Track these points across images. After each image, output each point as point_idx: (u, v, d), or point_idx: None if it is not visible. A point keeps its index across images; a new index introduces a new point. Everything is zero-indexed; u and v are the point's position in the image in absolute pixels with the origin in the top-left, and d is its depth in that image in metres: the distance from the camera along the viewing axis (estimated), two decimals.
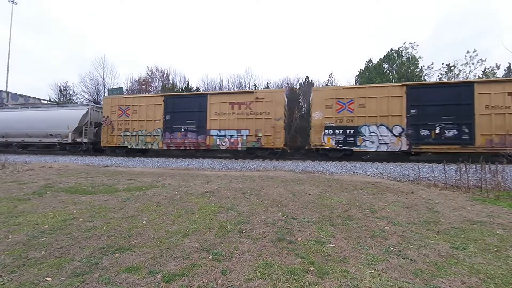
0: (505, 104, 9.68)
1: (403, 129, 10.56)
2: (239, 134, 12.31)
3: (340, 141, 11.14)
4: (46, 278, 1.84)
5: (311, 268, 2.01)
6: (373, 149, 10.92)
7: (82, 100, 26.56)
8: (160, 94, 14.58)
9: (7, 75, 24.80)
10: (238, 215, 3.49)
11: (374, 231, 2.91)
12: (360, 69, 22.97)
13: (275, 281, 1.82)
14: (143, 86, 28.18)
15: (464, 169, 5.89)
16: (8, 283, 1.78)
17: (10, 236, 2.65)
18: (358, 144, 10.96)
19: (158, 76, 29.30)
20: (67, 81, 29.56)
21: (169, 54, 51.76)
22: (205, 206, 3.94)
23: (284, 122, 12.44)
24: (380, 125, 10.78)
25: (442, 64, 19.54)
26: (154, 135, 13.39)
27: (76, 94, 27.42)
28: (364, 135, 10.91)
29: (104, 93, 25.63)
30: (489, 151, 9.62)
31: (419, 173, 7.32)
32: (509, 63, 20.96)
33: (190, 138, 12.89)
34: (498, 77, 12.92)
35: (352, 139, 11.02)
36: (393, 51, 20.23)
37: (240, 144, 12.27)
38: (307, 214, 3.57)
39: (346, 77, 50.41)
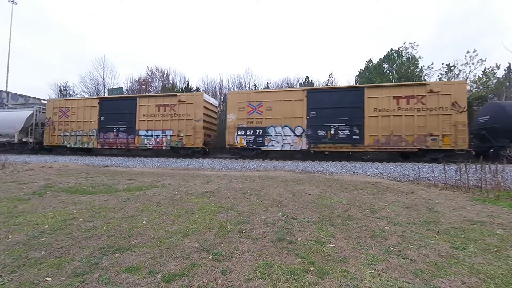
0: (390, 107, 10.65)
1: (303, 130, 11.49)
2: (164, 134, 13.37)
3: (250, 141, 12.13)
4: (46, 278, 1.84)
5: (311, 268, 2.01)
6: (278, 148, 11.85)
7: None
8: (96, 97, 15.67)
9: (7, 75, 24.81)
10: (238, 215, 3.49)
11: (374, 231, 2.91)
12: (360, 69, 22.99)
13: (275, 281, 1.82)
14: (143, 86, 28.17)
15: (464, 169, 5.89)
16: (8, 283, 1.78)
17: (10, 236, 2.65)
18: (266, 144, 11.95)
19: (158, 76, 29.30)
20: (67, 81, 29.61)
21: (169, 54, 51.80)
22: (205, 206, 3.94)
23: (215, 123, 14.13)
24: (285, 126, 11.75)
25: (442, 64, 19.49)
26: (90, 135, 14.51)
27: (76, 94, 27.41)
28: (271, 135, 11.89)
29: (104, 93, 25.62)
30: (376, 149, 10.91)
31: (419, 173, 7.32)
32: (509, 63, 20.99)
33: (121, 138, 13.95)
34: (409, 82, 13.67)
35: (261, 139, 11.99)
36: (393, 51, 20.21)
37: (165, 144, 13.35)
38: (307, 214, 3.57)
39: (346, 77, 50.48)
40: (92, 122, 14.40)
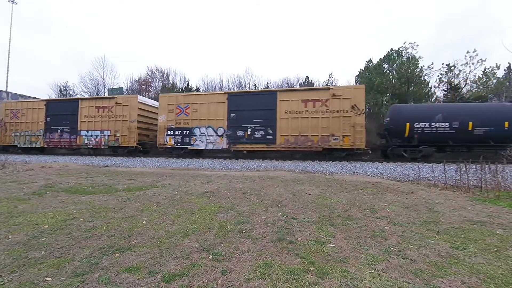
0: (299, 109, 11.49)
1: (224, 130, 12.33)
2: (102, 134, 14.23)
3: (178, 141, 12.94)
4: (46, 278, 1.84)
5: (311, 268, 2.01)
6: (202, 147, 12.69)
7: None
8: (43, 99, 16.49)
9: (7, 75, 24.78)
10: (238, 215, 3.49)
11: (374, 231, 2.91)
12: (360, 69, 23.00)
13: (275, 281, 1.82)
14: (143, 86, 28.20)
15: (464, 169, 5.89)
16: (8, 283, 1.78)
17: (10, 236, 2.65)
18: (192, 143, 12.75)
19: (158, 76, 29.34)
20: (67, 81, 29.68)
21: (169, 54, 51.85)
22: (205, 206, 3.94)
23: (155, 124, 14.26)
24: (208, 127, 12.59)
25: (442, 64, 19.51)
26: (37, 135, 15.34)
27: (76, 94, 27.43)
28: (196, 136, 12.73)
29: (104, 93, 25.62)
30: (286, 149, 11.71)
31: (419, 173, 7.32)
32: (509, 63, 21.01)
33: (65, 137, 14.88)
34: (328, 86, 14.55)
35: (188, 139, 12.82)
36: (393, 51, 20.21)
37: (103, 143, 14.16)
38: (307, 214, 3.57)
39: (346, 77, 50.49)
40: (40, 123, 15.28)
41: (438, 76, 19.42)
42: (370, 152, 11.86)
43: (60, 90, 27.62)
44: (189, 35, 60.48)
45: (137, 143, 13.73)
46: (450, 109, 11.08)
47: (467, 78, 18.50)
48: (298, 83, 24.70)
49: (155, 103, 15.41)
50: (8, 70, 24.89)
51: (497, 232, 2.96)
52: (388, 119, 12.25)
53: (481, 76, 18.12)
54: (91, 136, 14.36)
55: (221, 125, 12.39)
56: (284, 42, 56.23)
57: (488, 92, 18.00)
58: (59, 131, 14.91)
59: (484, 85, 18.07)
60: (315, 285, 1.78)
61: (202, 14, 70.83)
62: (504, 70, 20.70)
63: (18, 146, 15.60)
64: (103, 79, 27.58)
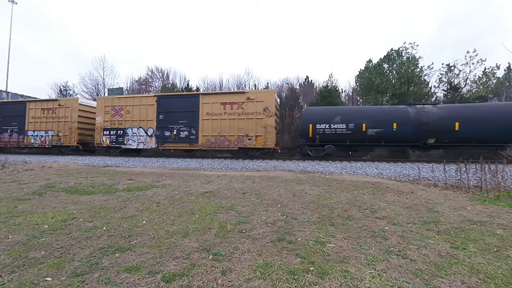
0: (219, 111, 12.41)
1: (154, 130, 13.22)
2: (46, 134, 15.23)
3: (113, 140, 13.86)
4: (46, 278, 1.84)
5: (311, 268, 2.01)
6: (134, 147, 13.59)
7: None
8: None
9: (7, 75, 24.80)
10: (238, 215, 3.49)
11: (374, 231, 2.91)
12: (360, 69, 22.98)
13: (275, 281, 1.82)
14: (143, 86, 28.18)
15: (464, 169, 5.89)
16: (8, 283, 1.78)
17: (10, 236, 2.65)
18: (125, 143, 13.69)
19: (158, 76, 29.31)
20: (67, 81, 29.71)
21: (169, 54, 51.81)
22: (205, 206, 3.94)
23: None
24: (139, 127, 13.51)
25: (442, 64, 19.48)
26: None
27: (76, 94, 27.42)
28: (129, 135, 13.65)
29: (104, 93, 25.62)
30: (207, 148, 12.66)
31: (419, 173, 7.32)
32: (509, 63, 20.98)
33: (14, 137, 15.90)
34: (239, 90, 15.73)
35: (122, 138, 13.75)
36: (393, 51, 20.20)
37: (47, 143, 15.17)
38: (307, 214, 3.57)
39: (346, 77, 50.51)
40: None
41: (438, 76, 19.42)
42: (279, 151, 13.13)
43: (60, 90, 27.60)
44: (189, 35, 60.52)
45: (79, 143, 14.85)
46: (347, 112, 12.12)
47: (467, 78, 18.50)
48: (298, 83, 24.70)
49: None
50: (8, 70, 24.91)
51: (497, 232, 2.96)
52: (302, 119, 13.26)
53: (481, 76, 18.12)
54: (37, 136, 15.41)
55: (151, 125, 13.29)
56: (284, 42, 56.27)
57: (488, 92, 17.99)
58: (9, 131, 15.96)
59: (484, 85, 18.06)
60: (315, 285, 1.77)
61: (202, 14, 70.89)
62: (504, 70, 20.66)
63: None
64: (103, 79, 27.58)
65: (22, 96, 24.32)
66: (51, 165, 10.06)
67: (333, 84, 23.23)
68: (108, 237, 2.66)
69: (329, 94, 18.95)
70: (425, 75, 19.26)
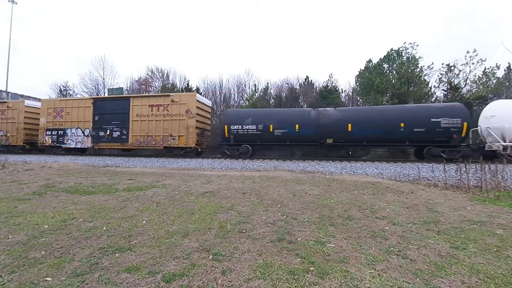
0: (147, 113, 13.43)
1: (90, 131, 14.25)
2: None
3: (55, 140, 14.90)
4: (46, 278, 1.84)
5: (311, 268, 2.01)
6: (73, 146, 14.64)
7: None
8: None
9: (7, 75, 24.80)
10: (238, 215, 3.49)
11: (374, 231, 2.91)
12: (360, 69, 22.94)
13: (275, 281, 1.82)
14: (143, 86, 28.14)
15: (464, 169, 5.89)
16: (8, 283, 1.78)
17: (10, 236, 2.65)
18: (65, 142, 14.74)
19: (158, 76, 29.27)
20: (67, 81, 29.59)
21: (169, 54, 51.73)
22: (205, 206, 3.94)
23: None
24: (78, 128, 14.56)
25: (442, 64, 19.43)
26: None
27: (76, 94, 27.41)
28: (68, 136, 14.70)
29: (104, 93, 25.60)
30: (137, 147, 13.69)
31: (419, 173, 7.31)
32: (509, 63, 20.99)
33: None
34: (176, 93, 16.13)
35: (62, 138, 14.80)
36: (393, 51, 20.17)
37: None
38: (307, 214, 3.57)
39: (346, 77, 50.52)
40: None
41: (438, 76, 19.40)
42: (200, 150, 13.84)
43: (60, 90, 27.56)
44: (189, 35, 60.49)
45: (26, 142, 16.09)
46: (257, 114, 12.85)
47: (467, 78, 18.48)
48: (298, 83, 24.70)
49: None
50: (8, 70, 24.91)
51: (497, 232, 2.96)
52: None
53: (481, 76, 18.10)
54: None
55: (87, 126, 14.32)
56: (284, 42, 56.23)
57: (488, 92, 17.98)
58: None
59: (484, 85, 18.04)
60: (315, 285, 1.77)
61: (202, 15, 70.88)
62: (504, 70, 20.67)
63: None
64: (103, 79, 27.55)
65: (22, 96, 24.31)
66: (51, 165, 10.06)
67: (333, 84, 23.20)
68: (108, 237, 2.66)
69: (329, 94, 18.95)
70: (425, 75, 19.24)
